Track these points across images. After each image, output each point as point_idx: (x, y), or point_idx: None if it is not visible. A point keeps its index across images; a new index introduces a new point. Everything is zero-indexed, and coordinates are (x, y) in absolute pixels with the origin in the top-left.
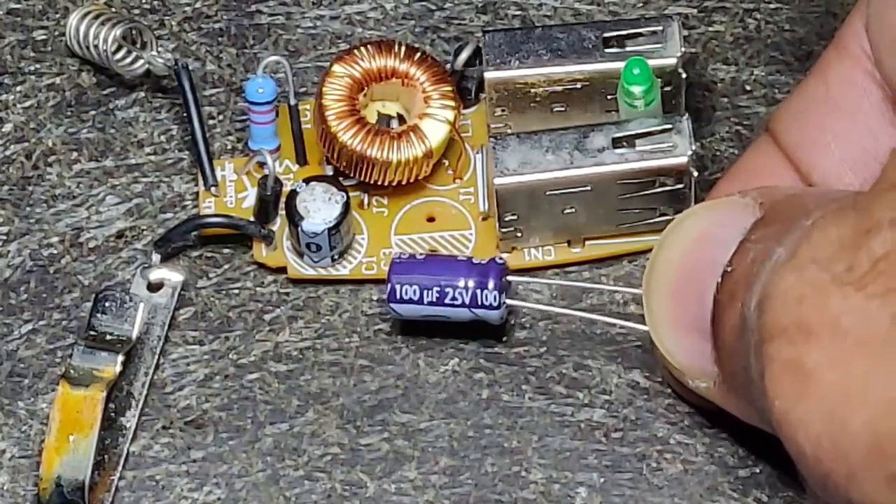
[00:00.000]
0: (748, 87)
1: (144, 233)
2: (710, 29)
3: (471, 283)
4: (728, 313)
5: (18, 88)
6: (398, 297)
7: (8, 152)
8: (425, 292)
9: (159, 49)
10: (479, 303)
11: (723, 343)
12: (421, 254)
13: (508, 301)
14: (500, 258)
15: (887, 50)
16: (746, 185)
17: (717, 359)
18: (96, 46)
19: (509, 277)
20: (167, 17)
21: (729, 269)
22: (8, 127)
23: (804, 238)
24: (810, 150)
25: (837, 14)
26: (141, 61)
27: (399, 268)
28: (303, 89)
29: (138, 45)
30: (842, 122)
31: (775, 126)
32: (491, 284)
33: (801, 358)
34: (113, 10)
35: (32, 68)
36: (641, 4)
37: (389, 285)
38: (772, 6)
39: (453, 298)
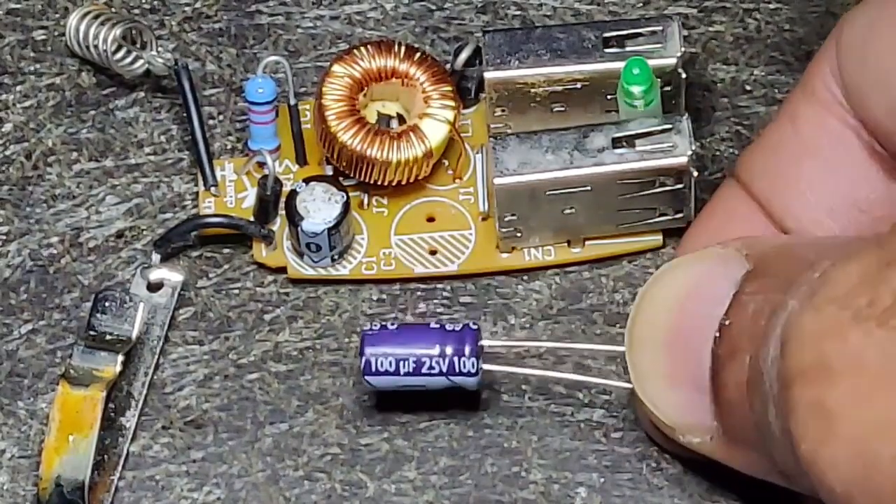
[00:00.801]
0: (748, 87)
1: (144, 233)
2: (710, 29)
3: (448, 351)
4: (730, 368)
5: (18, 88)
6: (373, 369)
7: (8, 152)
8: (401, 363)
9: (159, 49)
10: (458, 370)
11: (726, 398)
12: (392, 323)
13: (485, 367)
14: (474, 323)
15: (873, 88)
16: (719, 233)
17: (717, 413)
18: (96, 46)
19: (483, 342)
20: (167, 17)
21: (727, 322)
22: (8, 127)
23: (823, 281)
24: (783, 196)
25: (837, 14)
26: (141, 61)
27: (373, 339)
28: (303, 89)
29: (138, 45)
30: (816, 167)
31: (742, 172)
32: (468, 350)
33: (823, 398)
34: (113, 10)
35: (32, 68)
36: (641, 4)
37: (363, 359)
38: (772, 6)
39: (430, 367)
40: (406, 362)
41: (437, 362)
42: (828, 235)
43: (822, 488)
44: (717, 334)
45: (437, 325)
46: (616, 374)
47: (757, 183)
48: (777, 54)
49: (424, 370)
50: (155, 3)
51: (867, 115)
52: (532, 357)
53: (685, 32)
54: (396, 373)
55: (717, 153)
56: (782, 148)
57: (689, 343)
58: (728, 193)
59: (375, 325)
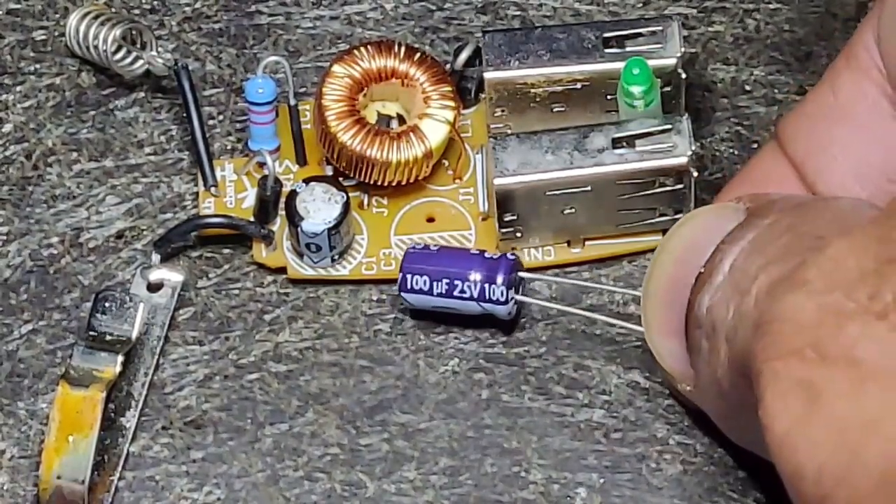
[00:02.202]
0: (748, 88)
1: (144, 233)
2: (710, 29)
3: (479, 277)
4: (694, 312)
5: (18, 88)
6: (409, 286)
7: (8, 152)
8: (435, 284)
9: (159, 49)
10: (487, 297)
11: (691, 341)
12: (436, 246)
13: (517, 297)
14: (513, 254)
15: None
16: (751, 191)
17: (691, 360)
18: (96, 47)
19: (521, 273)
20: (167, 18)
21: (702, 270)
22: (8, 127)
23: (813, 262)
24: (817, 159)
25: (837, 14)
26: (141, 61)
27: (412, 257)
28: (303, 89)
29: (138, 46)
30: (850, 133)
31: (782, 133)
32: (499, 279)
33: (814, 378)
34: (113, 10)
35: (32, 68)
36: (641, 5)
37: (401, 274)
38: (772, 6)
39: (462, 291)
40: (439, 283)
41: (469, 287)
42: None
43: (786, 465)
44: (694, 283)
45: (477, 252)
46: (613, 373)
47: (793, 145)
48: (777, 54)
49: (456, 293)
50: (155, 3)
51: None
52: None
53: (685, 32)
54: (430, 292)
55: (717, 153)
56: (819, 112)
57: (682, 294)
58: (767, 154)
59: (419, 245)
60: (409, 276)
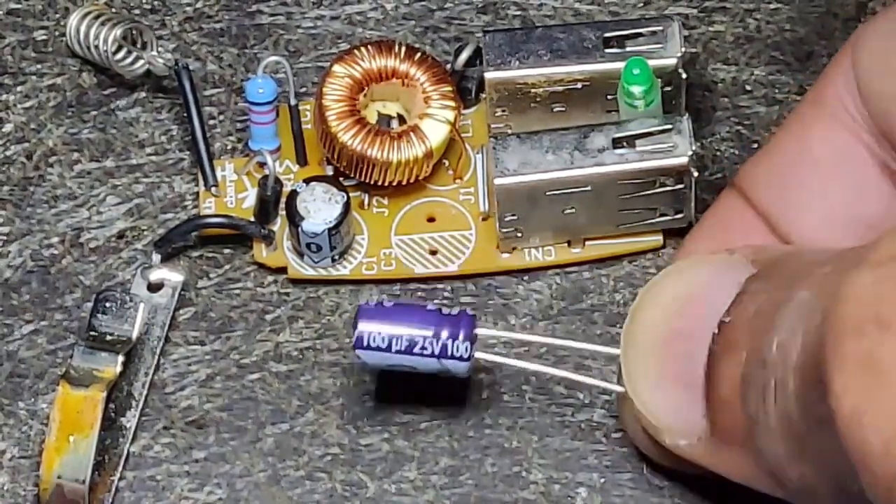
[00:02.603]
0: (748, 87)
1: (145, 233)
2: (710, 29)
3: (443, 334)
4: (725, 363)
5: (19, 89)
6: (365, 343)
7: (9, 153)
8: (394, 340)
9: (159, 49)
10: (450, 354)
11: (719, 394)
12: (389, 300)
13: (477, 354)
14: (471, 311)
15: None
16: (719, 242)
17: (708, 411)
18: (97, 47)
19: (477, 330)
20: (168, 17)
21: (727, 320)
22: (9, 127)
23: (874, 242)
24: (789, 208)
25: (838, 14)
26: (141, 61)
27: (368, 313)
28: (303, 89)
29: (138, 46)
30: (824, 182)
31: (744, 182)
32: (462, 335)
33: (875, 353)
34: (113, 10)
35: (33, 69)
36: (642, 5)
37: (357, 331)
38: (772, 6)
39: (423, 348)
40: (399, 340)
41: (431, 343)
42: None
43: (857, 446)
44: (716, 331)
45: (434, 308)
46: (613, 374)
47: (761, 194)
48: (777, 54)
49: (416, 350)
50: (155, 3)
51: (890, 127)
52: (533, 357)
53: (685, 32)
54: (388, 349)
55: (718, 153)
56: (788, 161)
57: (686, 343)
58: (728, 204)
59: (372, 301)
60: (366, 334)
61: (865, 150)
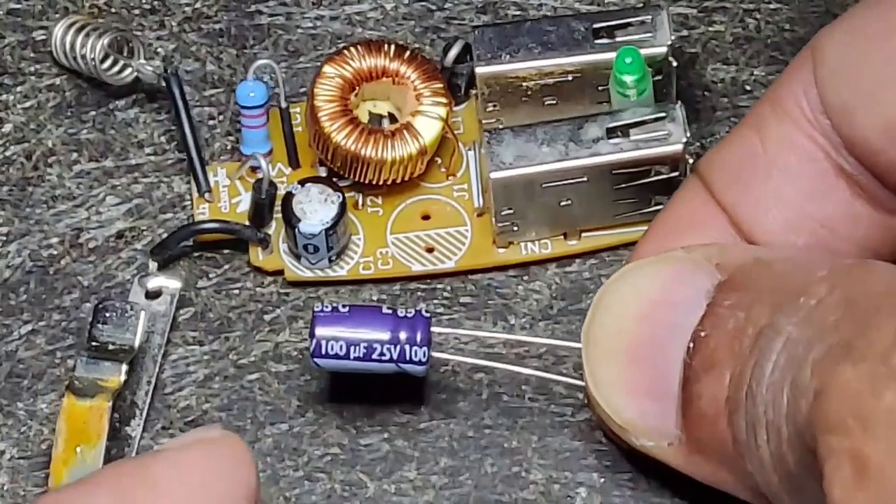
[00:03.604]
0: (748, 87)
1: (144, 233)
2: (710, 29)
3: (400, 338)
4: (706, 381)
5: (18, 89)
6: (323, 352)
7: (8, 153)
8: (352, 348)
9: (148, 57)
10: (408, 359)
11: (698, 409)
12: (345, 306)
13: (435, 355)
14: (426, 311)
15: (860, 105)
16: (680, 236)
17: (683, 423)
18: (83, 56)
19: (434, 329)
20: (167, 18)
21: (703, 334)
22: (8, 127)
23: (861, 333)
24: (750, 209)
25: (837, 14)
26: (129, 69)
27: (324, 321)
28: (303, 89)
29: (125, 54)
30: (783, 185)
31: (706, 173)
32: (419, 339)
33: (860, 450)
34: (99, 19)
35: (32, 69)
36: (641, 5)
37: (314, 341)
38: (772, 6)
39: (381, 354)
40: (357, 347)
41: (388, 349)
42: (801, 251)
43: None
44: (692, 345)
45: (390, 311)
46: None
47: (722, 191)
48: (777, 54)
49: (375, 356)
50: (155, 3)
51: (851, 132)
52: (533, 357)
53: (685, 32)
54: (346, 357)
55: None
56: (748, 160)
57: (654, 350)
58: (692, 194)
59: (327, 307)
60: (323, 342)
61: (821, 153)
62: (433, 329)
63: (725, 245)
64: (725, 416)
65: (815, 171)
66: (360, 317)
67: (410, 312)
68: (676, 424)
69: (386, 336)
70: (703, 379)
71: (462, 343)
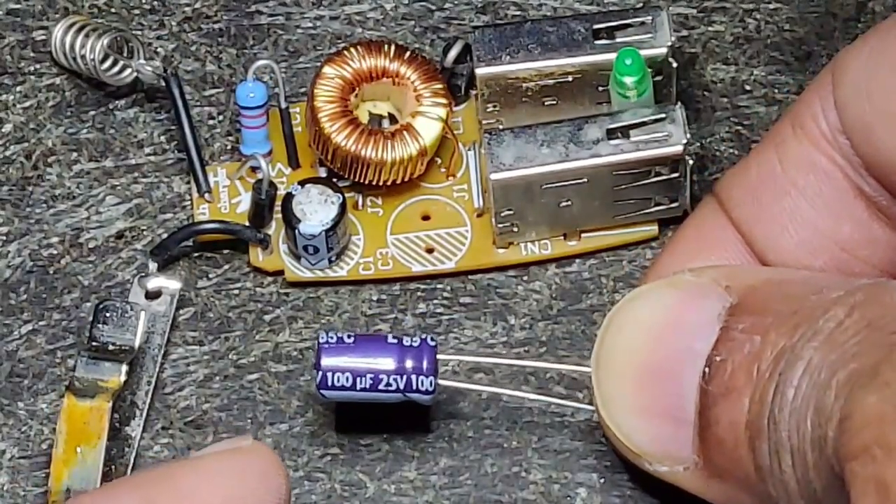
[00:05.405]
0: (748, 87)
1: (144, 233)
2: (710, 29)
3: (407, 367)
4: (724, 406)
5: (18, 89)
6: (329, 384)
7: (8, 152)
8: (358, 379)
9: (147, 57)
10: (415, 388)
11: (716, 435)
12: (350, 335)
13: (443, 382)
14: (432, 339)
15: (879, 125)
16: (696, 258)
17: (701, 448)
18: (83, 57)
19: (440, 356)
20: (167, 18)
21: (718, 359)
22: (8, 127)
23: (884, 358)
24: (766, 229)
25: (837, 14)
26: (129, 70)
27: (329, 351)
28: (302, 90)
29: (125, 54)
30: (800, 205)
31: (724, 194)
32: (426, 368)
33: (884, 475)
34: (98, 19)
35: (32, 68)
36: (640, 5)
37: (320, 374)
38: (772, 6)
39: (388, 385)
40: (363, 378)
41: (395, 380)
42: (814, 272)
43: None
44: (707, 369)
45: (395, 340)
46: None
47: (739, 210)
48: (777, 54)
49: (381, 387)
50: (155, 3)
51: (872, 152)
52: (532, 357)
53: (685, 32)
54: (353, 388)
55: (717, 153)
56: (766, 181)
57: (667, 375)
58: (709, 215)
59: (332, 337)
60: (329, 374)
61: (840, 173)
62: (439, 357)
63: (734, 267)
64: (746, 441)
65: (834, 191)
66: (365, 346)
67: (416, 341)
68: (693, 449)
69: (392, 366)
70: (721, 403)
71: (462, 343)
